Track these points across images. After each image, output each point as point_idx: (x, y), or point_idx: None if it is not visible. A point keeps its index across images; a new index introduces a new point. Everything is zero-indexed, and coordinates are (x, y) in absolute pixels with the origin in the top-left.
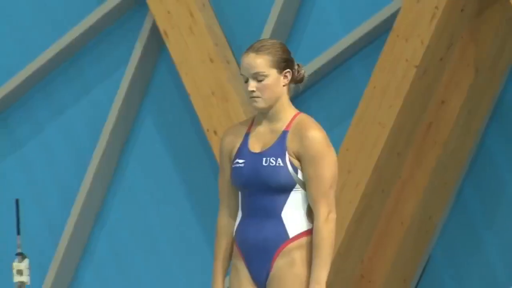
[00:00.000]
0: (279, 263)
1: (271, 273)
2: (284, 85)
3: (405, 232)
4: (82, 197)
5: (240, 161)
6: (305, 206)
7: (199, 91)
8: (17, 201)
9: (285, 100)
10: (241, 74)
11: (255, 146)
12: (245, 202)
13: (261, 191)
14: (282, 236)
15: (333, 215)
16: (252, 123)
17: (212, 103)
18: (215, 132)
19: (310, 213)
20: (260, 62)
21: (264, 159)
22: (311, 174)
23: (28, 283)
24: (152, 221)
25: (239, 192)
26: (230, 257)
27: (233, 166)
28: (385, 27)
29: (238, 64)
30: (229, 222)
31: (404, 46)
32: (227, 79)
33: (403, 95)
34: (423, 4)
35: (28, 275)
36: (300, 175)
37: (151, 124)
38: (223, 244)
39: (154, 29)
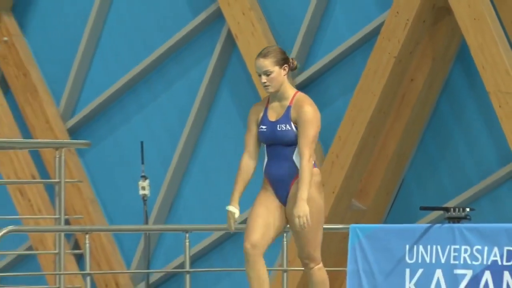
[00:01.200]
0: (294, 189)
1: (289, 196)
2: (284, 75)
3: (388, 162)
4: (183, 139)
5: (263, 127)
6: None
7: None
8: (141, 143)
9: (286, 84)
10: (256, 72)
11: (272, 116)
12: (269, 151)
13: (278, 145)
14: (294, 172)
15: (312, 159)
16: (268, 100)
17: None
18: None
19: None
20: (267, 63)
21: (278, 125)
22: (301, 133)
23: (149, 195)
24: (229, 150)
25: (265, 145)
26: (244, 183)
27: (259, 130)
28: (376, 31)
29: None
30: (248, 161)
31: (388, 44)
32: None
33: (387, 75)
34: (399, 17)
35: (149, 190)
36: None
37: (228, 93)
38: (241, 175)
39: (229, 34)
